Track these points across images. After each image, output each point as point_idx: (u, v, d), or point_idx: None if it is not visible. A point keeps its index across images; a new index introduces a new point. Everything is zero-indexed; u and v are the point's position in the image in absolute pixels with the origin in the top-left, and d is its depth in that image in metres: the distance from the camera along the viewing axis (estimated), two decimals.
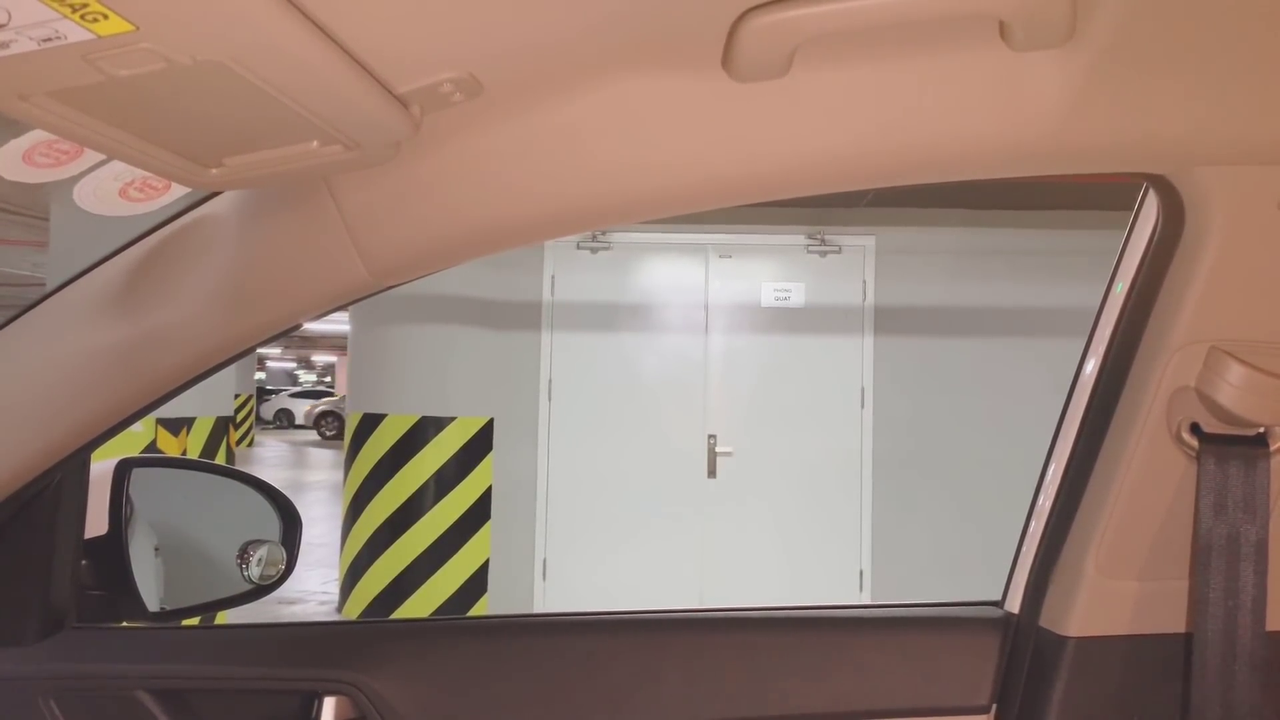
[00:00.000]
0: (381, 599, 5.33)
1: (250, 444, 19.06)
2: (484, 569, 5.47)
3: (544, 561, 5.66)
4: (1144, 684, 0.98)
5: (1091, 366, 0.99)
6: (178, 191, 0.79)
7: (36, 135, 0.78)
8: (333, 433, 22.66)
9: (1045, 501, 1.05)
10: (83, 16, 0.44)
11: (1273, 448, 0.90)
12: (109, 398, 0.87)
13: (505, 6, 0.56)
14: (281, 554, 1.25)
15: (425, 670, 1.06)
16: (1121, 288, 0.93)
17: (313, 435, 23.69)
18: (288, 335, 0.87)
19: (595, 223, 0.78)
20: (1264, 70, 0.64)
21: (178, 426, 5.17)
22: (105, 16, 0.44)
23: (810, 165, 0.70)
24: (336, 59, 0.54)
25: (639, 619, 1.13)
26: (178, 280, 0.82)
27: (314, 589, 6.64)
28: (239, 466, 1.49)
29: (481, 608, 5.41)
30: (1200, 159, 0.75)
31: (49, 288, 0.89)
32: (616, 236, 5.69)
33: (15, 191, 6.77)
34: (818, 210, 5.63)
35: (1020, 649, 1.05)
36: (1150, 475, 0.93)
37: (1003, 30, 0.61)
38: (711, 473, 5.61)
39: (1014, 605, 1.08)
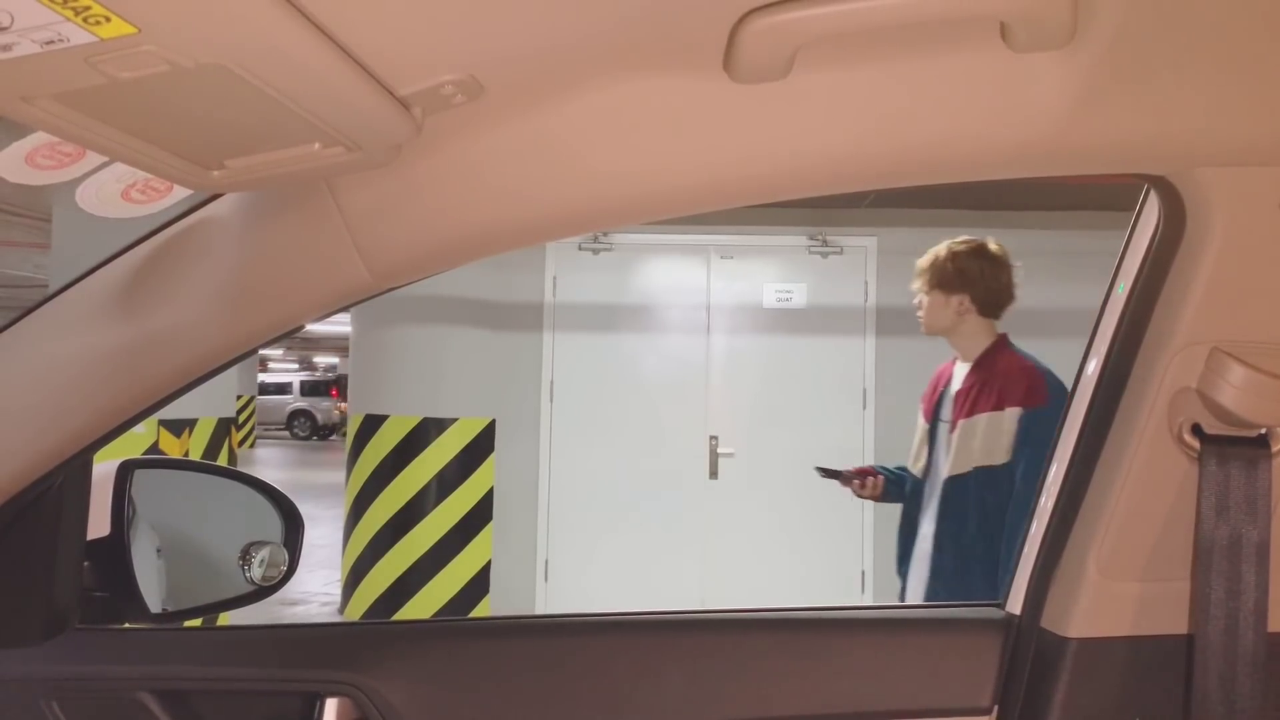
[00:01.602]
0: (383, 600, 5.33)
1: (252, 445, 19.07)
2: (486, 570, 5.47)
3: (546, 563, 5.66)
4: (1145, 685, 0.98)
5: (1093, 367, 0.99)
6: (180, 193, 0.80)
7: (39, 137, 0.78)
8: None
9: (1047, 502, 1.05)
10: (85, 19, 0.44)
11: (1274, 449, 0.89)
12: (111, 399, 0.87)
13: (507, 9, 0.56)
14: (283, 555, 1.25)
15: (427, 672, 1.06)
16: (1123, 289, 0.93)
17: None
18: (289, 337, 0.87)
19: (597, 224, 0.78)
20: (1265, 72, 0.64)
21: (180, 428, 5.17)
22: (108, 19, 0.44)
23: (812, 166, 0.70)
24: (338, 61, 0.54)
25: (640, 620, 1.13)
26: (180, 282, 0.83)
27: (316, 590, 6.65)
28: (241, 468, 1.49)
29: (483, 609, 5.41)
30: (1201, 160, 0.75)
31: (51, 290, 0.89)
32: (618, 237, 5.70)
33: (18, 193, 6.78)
34: (819, 211, 5.62)
35: (1022, 650, 1.05)
36: (1152, 476, 0.93)
37: (1004, 32, 0.62)
38: (713, 474, 5.61)
39: (1015, 606, 1.08)
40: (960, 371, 2.66)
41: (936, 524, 2.55)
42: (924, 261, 2.64)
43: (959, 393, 2.58)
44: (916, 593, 2.62)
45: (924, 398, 2.81)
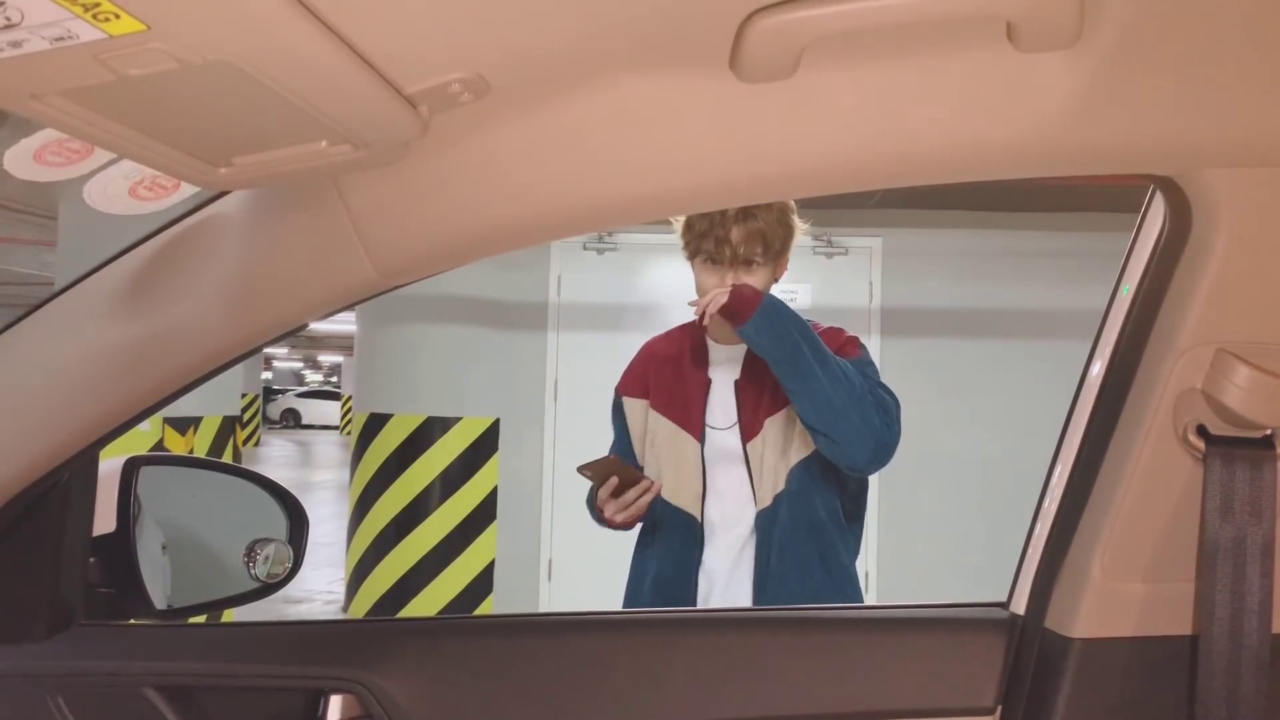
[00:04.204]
0: (387, 599, 5.34)
1: (256, 443, 19.11)
2: (489, 569, 5.47)
3: (549, 562, 5.66)
4: (1149, 686, 0.98)
5: (1098, 368, 0.99)
6: (187, 190, 0.80)
7: (48, 134, 0.78)
8: None
9: (1051, 503, 1.05)
10: (95, 16, 0.44)
11: (1279, 450, 0.89)
12: (117, 396, 0.87)
13: (514, 7, 0.56)
14: (288, 552, 1.26)
15: (431, 668, 1.06)
16: (1128, 290, 0.93)
17: (313, 433, 23.72)
18: (295, 335, 0.87)
19: (603, 223, 0.78)
20: (1272, 72, 0.64)
21: (184, 426, 5.19)
22: (117, 16, 0.44)
23: (818, 166, 0.71)
24: (346, 59, 0.54)
25: (643, 619, 1.13)
26: (186, 279, 0.83)
27: (320, 588, 6.66)
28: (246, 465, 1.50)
29: (487, 608, 5.41)
30: (1208, 160, 0.75)
31: (57, 286, 0.90)
32: (622, 237, 5.69)
33: (24, 190, 6.81)
34: (824, 211, 5.61)
35: (1025, 650, 1.05)
36: (1156, 477, 0.93)
37: (1010, 31, 0.62)
38: None
39: (1019, 607, 1.08)
40: (723, 357, 2.00)
41: (773, 556, 1.85)
42: (735, 222, 1.93)
43: (740, 385, 1.94)
44: None
45: (671, 406, 2.01)
